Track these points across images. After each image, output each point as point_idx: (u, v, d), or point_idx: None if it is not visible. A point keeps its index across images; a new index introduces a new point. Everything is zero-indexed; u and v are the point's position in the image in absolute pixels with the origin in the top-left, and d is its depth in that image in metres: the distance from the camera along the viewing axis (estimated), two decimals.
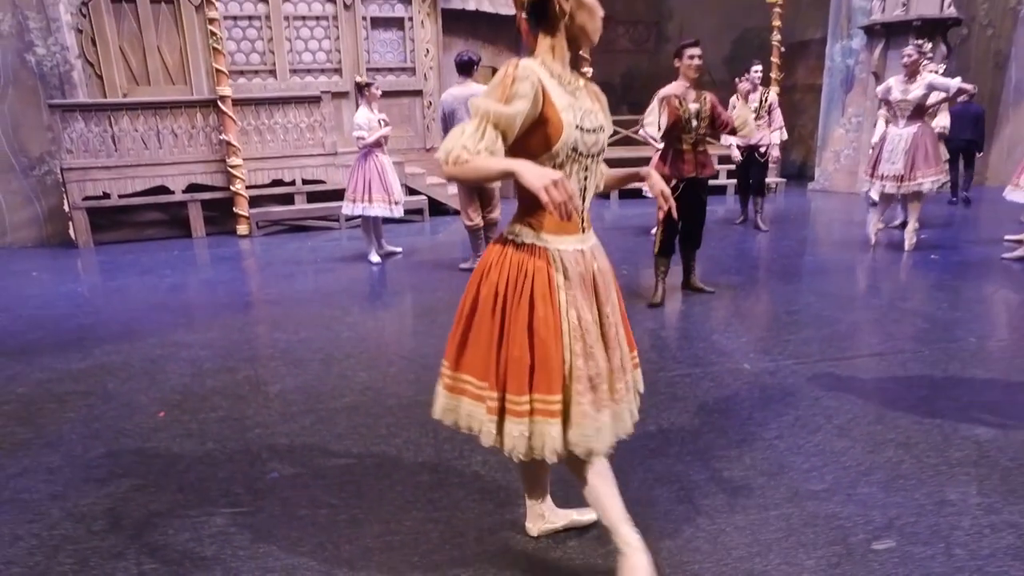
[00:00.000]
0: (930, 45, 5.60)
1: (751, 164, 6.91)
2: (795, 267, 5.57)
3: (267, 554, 1.94)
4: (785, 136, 6.84)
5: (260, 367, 3.50)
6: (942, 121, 6.71)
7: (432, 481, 2.31)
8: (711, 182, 4.86)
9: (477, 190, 5.44)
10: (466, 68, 5.24)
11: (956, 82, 5.12)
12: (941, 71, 6.64)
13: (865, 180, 5.87)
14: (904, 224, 7.09)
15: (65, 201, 6.99)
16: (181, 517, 2.13)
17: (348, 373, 3.35)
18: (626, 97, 12.86)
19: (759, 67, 6.62)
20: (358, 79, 5.70)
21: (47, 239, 7.38)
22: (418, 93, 9.06)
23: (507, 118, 1.43)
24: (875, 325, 3.99)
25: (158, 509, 2.19)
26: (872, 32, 9.34)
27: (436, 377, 1.72)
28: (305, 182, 7.87)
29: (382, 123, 5.72)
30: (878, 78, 9.12)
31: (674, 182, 4.30)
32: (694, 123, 4.25)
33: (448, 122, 5.23)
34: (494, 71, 10.02)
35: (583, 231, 1.63)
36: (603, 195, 3.81)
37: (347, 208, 5.82)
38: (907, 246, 5.74)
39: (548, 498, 1.98)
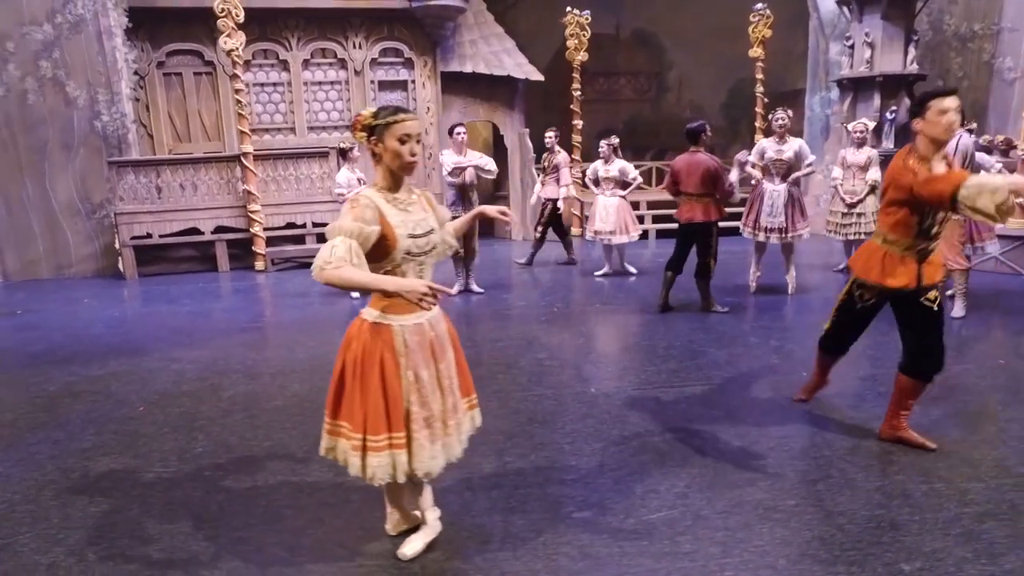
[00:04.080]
0: (790, 113, 6.24)
1: (553, 215, 8.22)
2: (699, 309, 6.17)
3: (176, 496, 2.92)
4: (571, 193, 8.19)
5: (224, 378, 4.55)
6: (873, 175, 7.26)
7: (307, 456, 3.25)
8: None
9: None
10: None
11: (813, 158, 6.01)
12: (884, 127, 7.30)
13: (742, 230, 6.46)
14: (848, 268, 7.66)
15: (116, 240, 8.44)
16: (125, 471, 3.15)
17: (286, 384, 4.35)
18: (628, 143, 13.69)
19: (551, 133, 8.12)
20: (342, 144, 6.84)
21: (102, 271, 8.84)
22: None
23: (359, 231, 1.99)
24: (736, 358, 4.68)
25: (116, 467, 3.21)
26: (842, 86, 9.94)
27: None
28: (315, 225, 9.09)
29: (360, 181, 6.83)
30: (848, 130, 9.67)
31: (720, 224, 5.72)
32: None
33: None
34: (493, 126, 11.14)
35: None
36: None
37: None
38: (791, 290, 6.41)
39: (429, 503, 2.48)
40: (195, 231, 8.63)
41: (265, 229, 8.74)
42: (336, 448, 2.25)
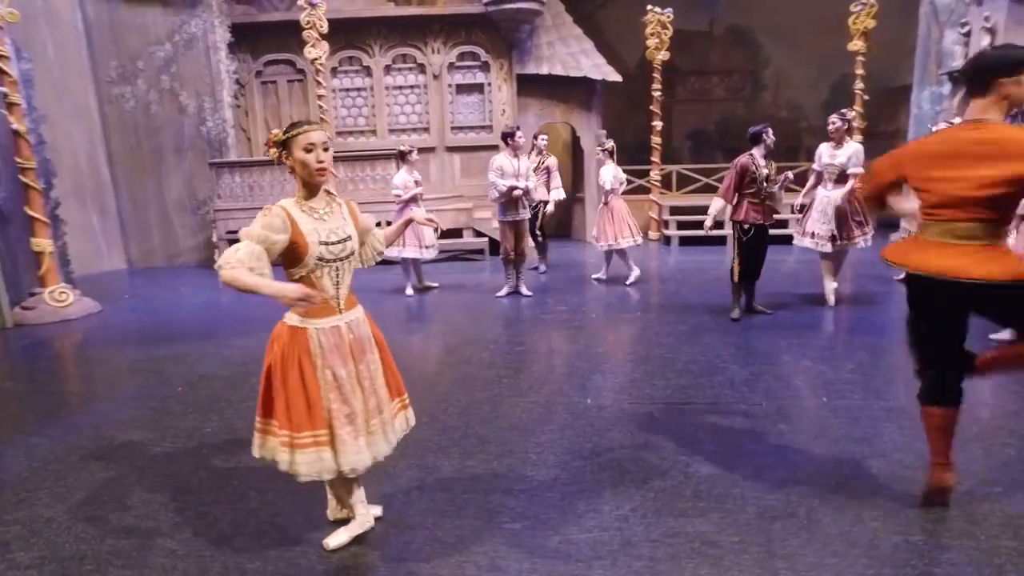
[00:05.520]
0: (853, 114, 5.79)
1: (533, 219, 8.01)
2: (748, 321, 5.78)
3: (169, 470, 3.28)
4: (562, 196, 7.95)
5: (260, 366, 4.95)
6: None
7: None
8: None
9: (513, 229, 6.80)
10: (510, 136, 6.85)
11: (860, 170, 5.54)
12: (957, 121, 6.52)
13: (797, 237, 6.09)
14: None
15: (214, 234, 9.40)
16: (141, 443, 3.57)
17: None
18: (721, 144, 13.08)
19: (544, 136, 8.12)
20: (401, 148, 7.16)
21: (203, 261, 9.89)
22: (495, 148, 10.39)
23: (265, 237, 2.17)
24: (756, 378, 4.38)
25: (136, 439, 3.65)
26: (954, 79, 8.86)
27: None
28: (388, 223, 9.56)
29: (417, 183, 7.12)
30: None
31: (747, 226, 5.54)
32: (764, 183, 5.47)
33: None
34: (572, 129, 11.09)
35: (340, 311, 2.35)
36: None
37: (387, 251, 7.29)
38: (831, 302, 6.04)
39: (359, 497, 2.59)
40: None
41: None
42: (265, 446, 2.41)
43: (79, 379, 4.92)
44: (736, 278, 5.69)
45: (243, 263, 2.13)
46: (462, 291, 7.71)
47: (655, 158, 10.93)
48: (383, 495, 2.94)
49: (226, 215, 9.27)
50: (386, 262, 9.26)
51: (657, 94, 10.56)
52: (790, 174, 5.74)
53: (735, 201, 5.57)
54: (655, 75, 10.52)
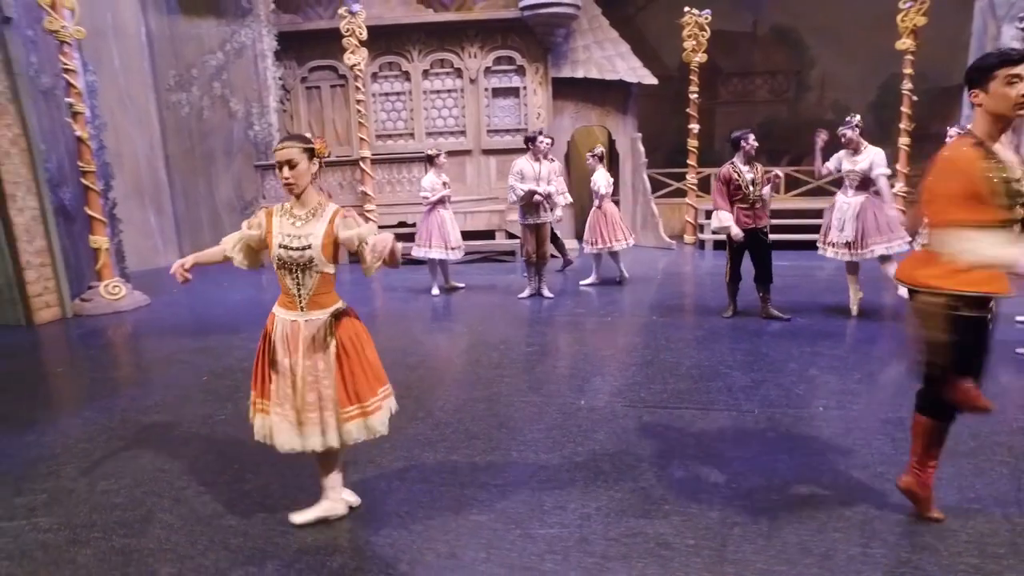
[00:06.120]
0: (858, 118, 5.57)
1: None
2: (763, 327, 5.73)
3: (182, 451, 3.58)
4: (569, 200, 7.57)
5: None
6: None
7: None
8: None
9: (534, 232, 6.94)
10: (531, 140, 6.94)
11: (887, 171, 5.41)
12: None
13: (819, 247, 5.96)
14: None
15: None
16: (163, 426, 3.90)
17: None
18: (764, 147, 12.70)
19: (548, 140, 7.81)
20: (429, 151, 7.39)
21: None
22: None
23: (242, 229, 2.68)
24: (757, 385, 4.36)
25: (158, 422, 3.99)
26: None
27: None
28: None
29: (445, 185, 7.34)
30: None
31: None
32: (751, 188, 5.57)
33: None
34: (609, 133, 11.09)
35: (302, 310, 2.58)
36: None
37: (415, 251, 7.55)
38: (854, 312, 5.89)
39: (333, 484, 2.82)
40: None
41: (380, 227, 9.63)
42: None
43: (119, 367, 5.36)
44: (727, 279, 5.98)
45: (225, 244, 2.73)
46: (488, 292, 7.88)
47: (692, 161, 10.81)
48: (365, 482, 3.14)
49: None
50: (415, 262, 9.55)
51: (694, 96, 10.44)
52: (780, 172, 5.86)
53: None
54: (692, 77, 10.41)
